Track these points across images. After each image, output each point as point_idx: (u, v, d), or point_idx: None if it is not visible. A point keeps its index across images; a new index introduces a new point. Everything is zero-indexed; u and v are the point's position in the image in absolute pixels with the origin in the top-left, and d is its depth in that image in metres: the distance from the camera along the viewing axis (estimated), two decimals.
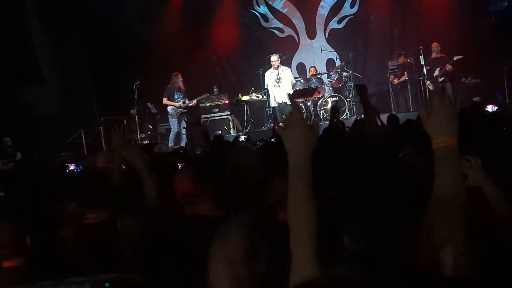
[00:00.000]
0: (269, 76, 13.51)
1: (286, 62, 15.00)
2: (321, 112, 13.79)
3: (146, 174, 3.37)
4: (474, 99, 12.40)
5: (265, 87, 13.77)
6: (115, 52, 14.41)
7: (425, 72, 12.60)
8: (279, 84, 13.30)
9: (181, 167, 3.74)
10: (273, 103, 13.54)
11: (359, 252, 2.25)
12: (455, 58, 12.68)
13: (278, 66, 13.41)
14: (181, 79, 13.05)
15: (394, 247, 2.48)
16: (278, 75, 13.34)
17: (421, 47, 12.92)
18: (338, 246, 2.52)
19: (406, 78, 13.75)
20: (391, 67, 14.60)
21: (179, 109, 12.95)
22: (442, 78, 12.96)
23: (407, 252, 2.20)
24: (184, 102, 12.95)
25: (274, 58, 13.50)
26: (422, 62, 12.51)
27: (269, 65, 13.71)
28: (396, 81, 14.02)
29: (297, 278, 1.75)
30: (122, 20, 14.46)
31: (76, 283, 1.04)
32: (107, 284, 1.03)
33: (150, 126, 14.79)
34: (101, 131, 13.51)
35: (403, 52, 14.86)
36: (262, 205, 3.02)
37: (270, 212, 2.78)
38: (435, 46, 13.27)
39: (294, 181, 1.95)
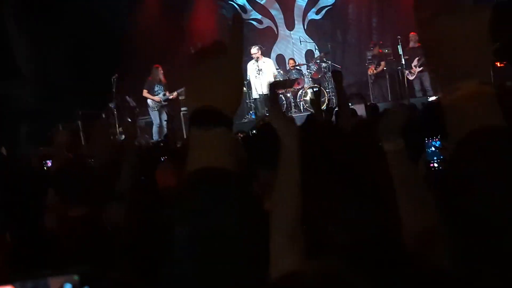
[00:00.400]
0: (251, 68, 13.50)
1: (265, 53, 14.99)
2: (301, 103, 13.81)
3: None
4: None
5: (247, 78, 13.74)
6: (93, 45, 14.26)
7: (403, 62, 12.65)
8: (260, 75, 13.28)
9: (163, 161, 3.71)
10: (254, 95, 13.53)
11: (344, 242, 2.26)
12: None
13: (259, 58, 13.38)
14: (161, 71, 12.97)
15: (379, 237, 2.49)
16: (259, 66, 13.32)
17: (399, 37, 12.96)
18: (323, 237, 2.52)
19: (384, 68, 13.82)
20: (369, 57, 14.66)
21: (162, 102, 12.88)
22: (421, 68, 13.04)
23: (393, 241, 2.21)
24: (164, 95, 12.86)
25: (254, 50, 13.48)
26: (400, 52, 12.55)
27: (250, 57, 13.67)
28: (372, 71, 14.05)
29: (277, 269, 1.70)
30: (100, 12, 14.31)
31: (44, 276, 1.02)
32: (77, 277, 1.00)
33: (129, 120, 14.66)
34: (79, 125, 13.39)
35: (380, 42, 14.93)
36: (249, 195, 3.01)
37: (257, 203, 2.77)
38: (412, 35, 13.33)
39: (284, 164, 1.92)
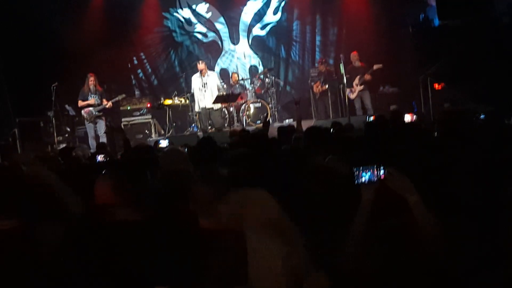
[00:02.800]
0: (196, 81, 13.41)
1: (209, 67, 14.98)
2: (244, 117, 13.83)
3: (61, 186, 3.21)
4: (391, 107, 12.78)
5: (191, 91, 13.66)
6: (32, 52, 13.90)
7: (345, 81, 12.83)
8: (205, 89, 13.24)
9: (102, 174, 3.60)
10: (197, 108, 13.45)
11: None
12: (375, 67, 13.03)
13: (204, 72, 13.32)
14: (92, 80, 12.54)
15: (317, 251, 2.49)
16: (203, 80, 13.26)
17: (342, 55, 13.16)
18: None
19: (327, 86, 13.97)
20: (312, 74, 14.82)
21: (94, 112, 12.52)
22: (362, 86, 13.28)
23: (336, 257, 2.23)
24: (98, 105, 12.49)
25: (201, 66, 13.39)
26: (342, 70, 12.73)
27: (196, 70, 13.63)
28: (317, 89, 14.17)
29: None
30: (40, 19, 13.98)
31: None
32: None
33: (68, 129, 14.34)
34: (16, 133, 13.01)
35: (324, 60, 15.18)
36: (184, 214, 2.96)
37: (191, 221, 2.71)
38: (353, 55, 13.59)
39: None
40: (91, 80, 12.53)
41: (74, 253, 2.58)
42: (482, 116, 6.37)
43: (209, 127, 13.28)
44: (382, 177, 2.51)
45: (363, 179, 2.53)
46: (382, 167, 2.52)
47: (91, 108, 12.44)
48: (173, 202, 3.16)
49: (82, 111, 12.64)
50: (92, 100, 12.45)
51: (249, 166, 3.76)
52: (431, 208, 2.45)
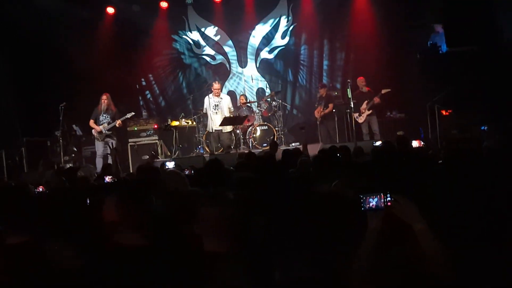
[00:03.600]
0: (207, 102, 13.45)
1: None
2: (250, 140, 13.84)
3: None
4: (398, 133, 12.76)
5: (204, 111, 13.71)
6: (42, 72, 14.03)
7: (352, 106, 12.85)
8: (217, 111, 13.29)
9: (109, 197, 3.60)
10: (209, 129, 13.51)
11: (291, 284, 2.24)
12: (383, 91, 13.05)
13: (218, 93, 13.42)
14: (105, 100, 12.59)
15: (324, 277, 2.48)
16: (217, 102, 13.32)
17: (349, 80, 13.19)
18: (268, 279, 2.48)
19: (333, 110, 13.98)
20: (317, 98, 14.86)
21: (104, 131, 12.55)
22: (370, 111, 13.29)
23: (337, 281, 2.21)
24: (109, 123, 12.53)
25: (216, 86, 13.47)
26: (350, 95, 12.75)
27: (204, 91, 13.68)
28: (318, 113, 14.17)
29: None
30: (51, 40, 14.13)
31: None
32: None
33: (75, 149, 14.37)
34: (23, 152, 13.07)
35: (331, 84, 15.21)
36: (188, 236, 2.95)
37: (195, 244, 2.71)
38: (360, 80, 13.63)
39: None
40: (104, 99, 12.59)
41: (80, 273, 2.58)
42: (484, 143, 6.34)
43: (218, 149, 13.31)
44: (389, 204, 2.49)
45: (370, 206, 2.51)
46: (388, 195, 2.50)
47: (101, 127, 12.49)
48: (177, 224, 3.15)
49: (93, 130, 12.68)
50: (102, 126, 12.50)
51: (255, 190, 3.75)
52: (437, 236, 2.43)
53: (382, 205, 2.48)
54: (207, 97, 13.60)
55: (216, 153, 13.03)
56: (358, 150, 7.75)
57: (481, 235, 2.67)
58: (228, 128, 13.34)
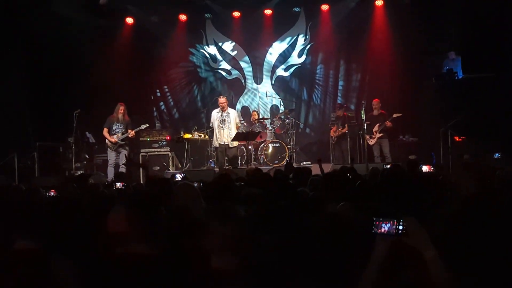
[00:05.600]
0: (215, 116, 13.36)
1: (231, 103, 15.07)
2: (262, 156, 13.85)
3: None
4: (410, 157, 12.72)
5: (210, 125, 13.68)
6: (58, 78, 14.13)
7: (365, 127, 12.85)
8: (223, 125, 13.16)
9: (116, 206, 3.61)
10: (215, 143, 13.42)
11: None
12: (394, 116, 13.04)
13: (224, 108, 13.23)
14: (121, 110, 12.62)
15: None
16: (223, 116, 13.18)
17: (363, 102, 13.21)
18: None
19: (346, 131, 13.99)
20: (332, 118, 14.86)
21: (118, 141, 12.57)
22: (381, 134, 13.27)
23: None
24: (123, 134, 12.55)
25: (222, 100, 13.30)
26: (363, 117, 12.76)
27: (216, 105, 13.63)
28: (334, 133, 14.21)
29: None
30: (70, 47, 14.24)
31: None
32: None
33: (87, 156, 14.45)
34: (35, 156, 13.14)
35: (345, 105, 15.22)
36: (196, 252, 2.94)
37: (203, 260, 2.69)
38: (375, 102, 13.62)
39: None
40: (121, 110, 12.61)
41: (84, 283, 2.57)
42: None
43: (226, 164, 13.25)
44: (399, 232, 2.42)
45: (381, 231, 2.46)
46: (401, 222, 2.42)
47: (115, 137, 12.51)
48: (185, 238, 3.15)
49: (107, 140, 12.68)
50: (116, 136, 12.52)
51: (265, 207, 3.74)
52: (448, 264, 2.40)
53: (394, 231, 2.43)
54: (214, 111, 13.54)
55: (226, 167, 13.00)
56: (375, 171, 7.68)
57: (493, 266, 2.63)
58: (235, 143, 13.28)
